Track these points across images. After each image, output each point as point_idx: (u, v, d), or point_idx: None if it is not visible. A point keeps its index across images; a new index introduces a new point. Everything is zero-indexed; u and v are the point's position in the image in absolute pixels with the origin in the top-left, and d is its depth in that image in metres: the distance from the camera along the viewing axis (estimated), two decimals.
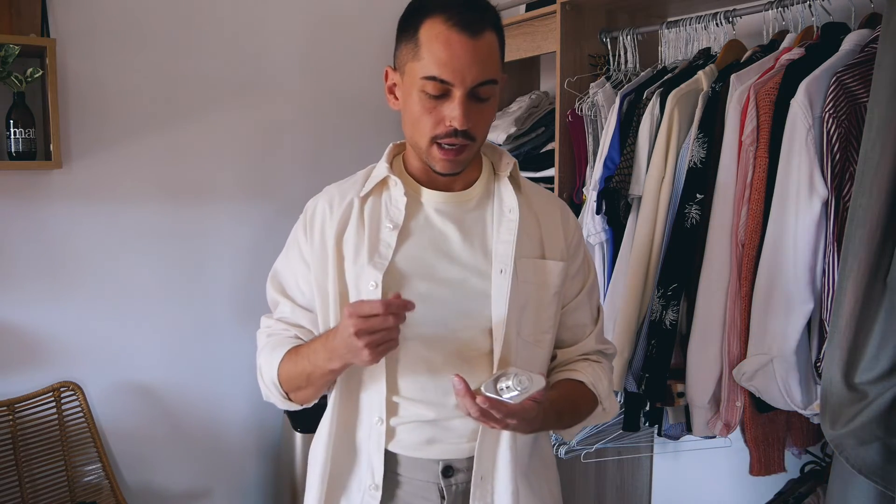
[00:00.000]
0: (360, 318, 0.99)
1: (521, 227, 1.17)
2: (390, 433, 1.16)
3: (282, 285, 1.25)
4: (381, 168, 1.21)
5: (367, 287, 1.13)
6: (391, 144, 1.25)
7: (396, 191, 1.18)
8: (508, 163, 1.22)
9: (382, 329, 0.99)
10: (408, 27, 1.09)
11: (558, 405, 1.14)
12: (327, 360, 1.09)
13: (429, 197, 1.19)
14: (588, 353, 1.27)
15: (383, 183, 1.20)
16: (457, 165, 1.12)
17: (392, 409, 1.16)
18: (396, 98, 1.16)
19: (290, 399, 1.20)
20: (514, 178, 1.22)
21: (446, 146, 1.09)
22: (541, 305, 1.19)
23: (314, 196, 1.26)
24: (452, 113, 1.06)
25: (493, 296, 1.14)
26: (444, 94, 1.07)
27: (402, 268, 1.15)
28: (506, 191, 1.20)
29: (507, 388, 1.00)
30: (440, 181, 1.18)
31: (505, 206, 1.19)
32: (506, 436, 1.16)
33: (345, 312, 1.02)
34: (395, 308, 0.99)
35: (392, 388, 1.15)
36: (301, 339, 1.22)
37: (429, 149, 1.11)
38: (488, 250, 1.16)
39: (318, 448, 1.22)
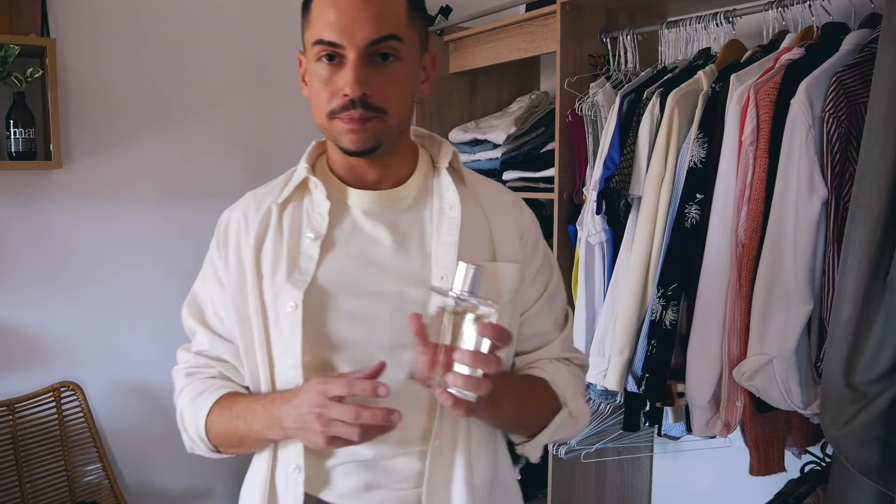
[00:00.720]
0: (330, 398, 0.86)
1: (466, 226, 1.02)
2: (323, 478, 1.00)
3: (200, 311, 1.09)
4: (300, 170, 1.06)
5: (286, 309, 0.98)
6: (313, 142, 1.11)
7: (318, 194, 1.03)
8: (447, 152, 1.06)
9: (348, 423, 0.86)
10: (305, 2, 0.99)
11: (516, 383, 1.03)
12: (266, 428, 0.96)
13: (356, 198, 1.03)
14: (551, 359, 1.12)
15: (304, 186, 1.05)
16: (366, 138, 0.95)
17: (326, 450, 0.99)
18: (307, 84, 1.01)
19: (220, 452, 1.06)
20: (454, 170, 1.07)
21: (347, 119, 0.94)
22: None
23: (230, 205, 1.11)
24: (345, 79, 0.92)
25: None
26: (339, 62, 0.93)
27: (326, 284, 0.99)
28: (446, 185, 1.05)
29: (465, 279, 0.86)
30: (368, 178, 1.03)
31: (445, 203, 1.03)
32: (459, 473, 1.00)
33: (313, 384, 0.89)
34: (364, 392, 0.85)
35: None
36: (229, 378, 1.06)
37: (330, 126, 0.96)
38: (427, 255, 1.01)
39: (246, 494, 1.07)
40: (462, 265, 0.87)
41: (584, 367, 1.17)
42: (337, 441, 0.89)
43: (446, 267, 0.99)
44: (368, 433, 0.87)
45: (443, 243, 1.01)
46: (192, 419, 1.04)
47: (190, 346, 1.11)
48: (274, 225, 1.03)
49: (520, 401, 1.02)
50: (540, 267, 1.12)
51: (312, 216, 1.02)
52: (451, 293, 0.87)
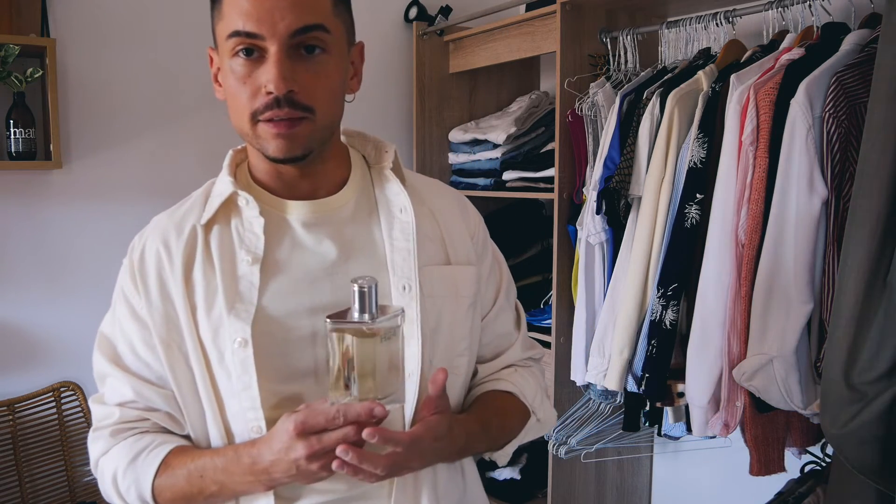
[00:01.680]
0: (314, 437, 0.79)
1: (418, 229, 0.95)
2: None
3: (117, 355, 0.95)
4: (223, 184, 0.95)
5: (232, 345, 0.87)
6: (231, 151, 1.00)
7: (249, 211, 0.92)
8: (389, 151, 0.98)
9: (343, 443, 0.79)
10: None
11: (481, 415, 0.97)
12: (249, 485, 0.86)
13: (291, 211, 0.93)
14: (514, 364, 1.08)
15: (230, 202, 0.94)
16: (296, 144, 0.86)
17: (295, 491, 0.91)
18: (221, 85, 0.91)
19: None
20: (396, 170, 0.98)
21: (274, 119, 0.85)
22: (454, 323, 0.97)
23: (140, 231, 1.01)
24: (267, 75, 0.83)
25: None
26: (258, 56, 0.84)
27: (275, 311, 0.89)
28: (390, 187, 0.97)
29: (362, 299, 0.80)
30: (300, 188, 0.94)
31: (393, 206, 0.96)
32: (426, 500, 0.93)
33: (288, 428, 0.80)
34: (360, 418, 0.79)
35: None
36: (166, 429, 0.94)
37: (253, 130, 0.86)
38: (382, 264, 0.93)
39: None
40: (355, 286, 0.81)
41: (541, 357, 1.14)
42: (338, 462, 0.82)
43: (406, 275, 0.93)
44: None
45: (399, 249, 0.94)
46: (133, 484, 0.91)
47: (103, 398, 0.96)
48: (201, 249, 0.92)
49: (482, 433, 0.97)
50: (492, 265, 1.07)
51: (245, 236, 0.92)
52: (355, 320, 0.81)
